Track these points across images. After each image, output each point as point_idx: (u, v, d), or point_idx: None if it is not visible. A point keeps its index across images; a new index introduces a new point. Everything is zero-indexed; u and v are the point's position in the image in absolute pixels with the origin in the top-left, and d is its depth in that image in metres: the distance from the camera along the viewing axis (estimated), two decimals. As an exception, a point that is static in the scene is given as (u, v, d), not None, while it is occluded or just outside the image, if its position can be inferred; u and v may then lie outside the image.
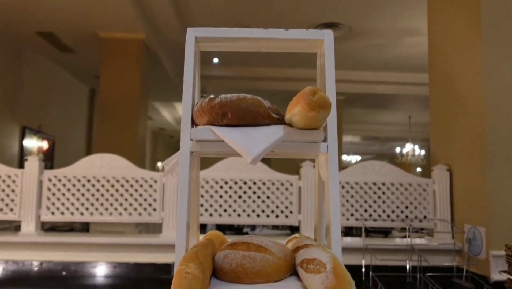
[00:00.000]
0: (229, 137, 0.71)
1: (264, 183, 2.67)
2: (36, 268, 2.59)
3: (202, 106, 0.76)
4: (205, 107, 0.75)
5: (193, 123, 0.79)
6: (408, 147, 8.15)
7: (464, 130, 2.59)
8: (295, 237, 0.91)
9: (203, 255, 0.67)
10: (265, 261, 0.70)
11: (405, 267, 2.48)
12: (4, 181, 2.64)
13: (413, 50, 5.66)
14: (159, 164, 10.60)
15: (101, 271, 2.60)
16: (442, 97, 2.91)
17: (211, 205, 2.63)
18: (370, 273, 2.37)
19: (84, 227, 4.80)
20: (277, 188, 2.67)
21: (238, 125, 0.74)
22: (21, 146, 5.37)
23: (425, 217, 2.67)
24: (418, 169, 9.44)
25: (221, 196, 2.64)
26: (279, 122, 0.76)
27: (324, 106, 0.64)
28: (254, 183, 2.66)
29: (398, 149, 8.58)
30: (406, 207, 2.68)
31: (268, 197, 2.66)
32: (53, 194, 2.62)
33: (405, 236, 2.71)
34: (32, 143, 5.61)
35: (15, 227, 3.10)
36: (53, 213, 2.62)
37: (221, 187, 2.65)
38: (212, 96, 0.78)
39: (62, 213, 2.62)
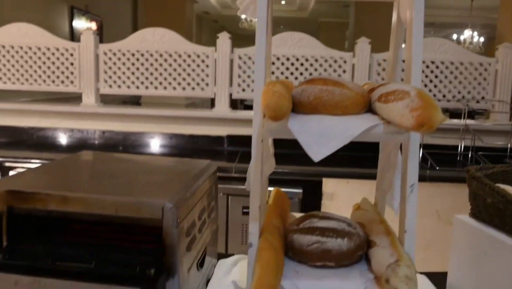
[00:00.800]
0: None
1: (316, 60, 2.61)
2: (98, 137, 2.77)
3: None
4: None
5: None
6: (467, 34, 7.60)
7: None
8: (366, 83, 0.90)
9: (282, 85, 0.68)
10: (342, 95, 0.70)
11: (457, 146, 2.48)
12: (62, 54, 2.72)
13: None
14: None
15: (158, 141, 2.75)
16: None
17: (262, 81, 2.64)
18: (421, 150, 2.38)
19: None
20: (330, 65, 2.61)
21: None
22: (71, 27, 5.44)
23: (483, 98, 2.58)
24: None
25: (273, 73, 2.63)
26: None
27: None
28: (307, 60, 2.61)
29: (455, 36, 8.04)
30: (464, 88, 2.58)
31: (320, 74, 2.62)
32: (110, 68, 2.70)
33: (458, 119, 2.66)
34: (81, 24, 5.65)
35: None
36: (110, 86, 2.72)
37: (273, 63, 2.62)
38: None
39: (119, 86, 2.71)
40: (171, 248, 0.67)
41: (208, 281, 0.94)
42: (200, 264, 0.84)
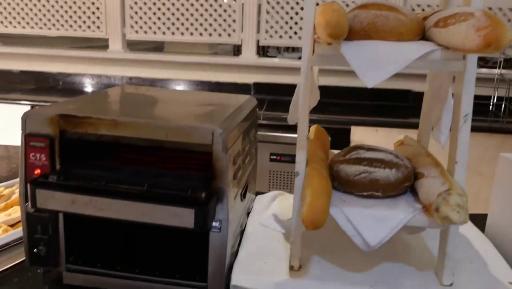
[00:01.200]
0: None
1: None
2: (125, 83, 2.77)
3: None
4: None
5: None
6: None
7: None
8: (418, 12, 0.87)
9: (340, 6, 0.66)
10: (398, 20, 0.68)
11: (490, 96, 2.41)
12: (88, -2, 2.68)
13: None
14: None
15: (185, 87, 2.74)
16: None
17: (290, 28, 2.58)
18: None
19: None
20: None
21: None
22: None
23: (520, 46, 2.48)
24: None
25: (301, 18, 2.56)
26: None
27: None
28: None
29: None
30: (501, 35, 2.48)
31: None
32: (136, 13, 2.66)
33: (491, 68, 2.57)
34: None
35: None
36: (137, 32, 2.69)
37: (297, 12, 2.55)
38: None
39: (145, 32, 2.68)
40: (221, 173, 0.68)
41: (248, 214, 0.96)
42: (243, 195, 0.85)
